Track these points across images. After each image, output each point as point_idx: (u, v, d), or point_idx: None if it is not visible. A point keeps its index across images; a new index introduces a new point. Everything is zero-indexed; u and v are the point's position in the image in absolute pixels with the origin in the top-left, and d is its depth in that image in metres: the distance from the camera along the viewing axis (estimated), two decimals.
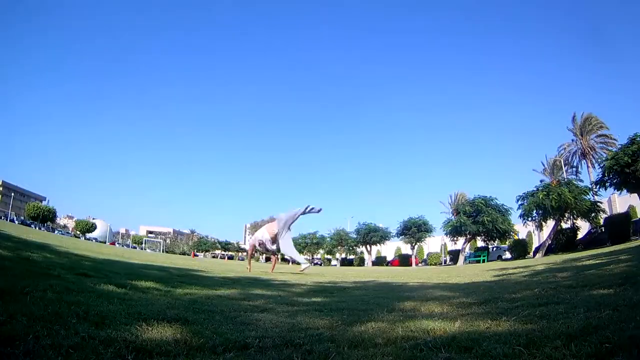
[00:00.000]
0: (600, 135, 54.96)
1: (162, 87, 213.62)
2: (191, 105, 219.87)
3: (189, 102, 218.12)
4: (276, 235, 15.29)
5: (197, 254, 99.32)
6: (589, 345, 2.30)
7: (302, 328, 3.39)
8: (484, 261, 41.47)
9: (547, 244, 33.75)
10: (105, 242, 79.54)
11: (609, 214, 36.14)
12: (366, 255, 67.78)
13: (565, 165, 56.04)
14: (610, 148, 48.07)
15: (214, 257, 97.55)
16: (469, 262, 43.48)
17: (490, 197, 42.60)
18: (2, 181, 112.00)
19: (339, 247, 73.43)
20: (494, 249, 47.16)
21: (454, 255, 49.86)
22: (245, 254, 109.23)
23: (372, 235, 61.02)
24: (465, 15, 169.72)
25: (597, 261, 11.31)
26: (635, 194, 29.01)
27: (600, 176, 28.34)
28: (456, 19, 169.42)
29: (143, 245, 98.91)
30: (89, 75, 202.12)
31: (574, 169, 56.72)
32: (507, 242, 45.75)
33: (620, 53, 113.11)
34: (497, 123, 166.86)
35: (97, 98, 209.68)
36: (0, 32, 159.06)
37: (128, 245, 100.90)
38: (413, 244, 55.14)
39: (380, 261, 67.66)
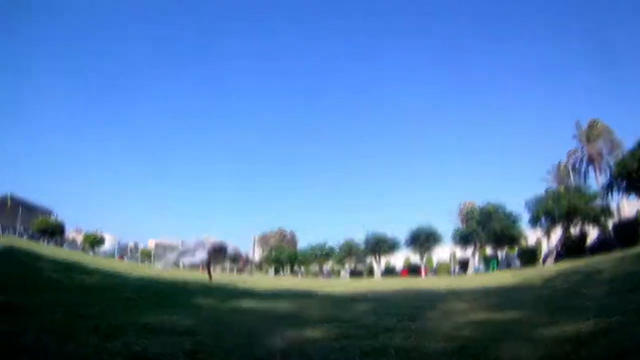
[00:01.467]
0: (607, 141, 54.73)
1: (173, 96, 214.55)
2: (200, 117, 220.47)
3: (198, 114, 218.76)
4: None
5: None
6: (598, 349, 2.29)
7: (312, 338, 3.40)
8: (493, 270, 41.15)
9: (556, 251, 33.48)
10: (114, 256, 79.73)
11: (617, 219, 35.84)
12: (375, 266, 67.39)
13: (572, 171, 55.81)
14: (617, 153, 47.90)
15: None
16: (479, 272, 43.24)
17: (499, 204, 42.32)
18: (10, 195, 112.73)
19: (348, 258, 72.99)
20: (504, 257, 46.78)
21: (464, 265, 49.50)
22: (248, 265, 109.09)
23: (380, 245, 60.64)
24: (466, 18, 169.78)
25: (606, 267, 11.22)
26: None
27: (608, 181, 28.18)
28: (456, 21, 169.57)
29: (152, 258, 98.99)
30: (95, 85, 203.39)
31: (582, 175, 56.52)
32: (516, 250, 45.41)
33: (625, 57, 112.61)
34: (503, 129, 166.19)
35: (104, 108, 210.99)
36: (6, 38, 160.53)
37: (137, 259, 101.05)
38: (422, 254, 54.72)
39: (389, 271, 67.26)
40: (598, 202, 32.82)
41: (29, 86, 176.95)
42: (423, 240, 52.60)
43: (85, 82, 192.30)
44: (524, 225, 39.52)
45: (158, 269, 20.00)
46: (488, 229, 40.57)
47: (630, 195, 28.48)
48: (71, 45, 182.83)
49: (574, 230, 36.37)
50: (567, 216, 31.44)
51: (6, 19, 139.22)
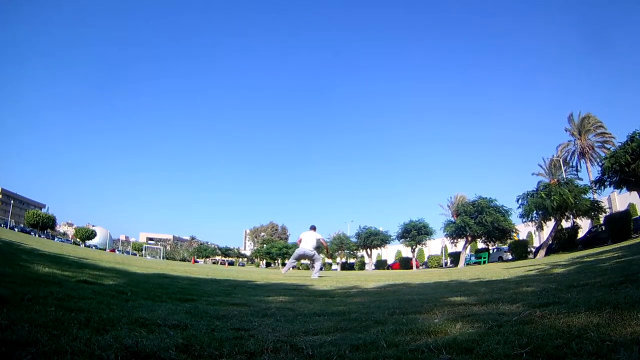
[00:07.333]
0: (598, 134, 55.07)
1: (162, 93, 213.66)
2: (190, 112, 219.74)
3: (188, 108, 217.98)
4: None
5: (197, 260, 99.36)
6: (590, 343, 2.30)
7: (303, 332, 3.39)
8: (484, 262, 41.46)
9: (547, 244, 33.73)
10: (105, 249, 79.43)
11: (609, 212, 36.15)
12: (367, 259, 67.77)
13: (564, 164, 56.10)
14: (608, 146, 48.23)
15: (214, 263, 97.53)
16: (470, 264, 43.49)
17: (490, 198, 42.67)
18: (2, 189, 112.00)
19: (340, 252, 73.42)
20: (495, 250, 47.07)
21: (455, 258, 49.79)
22: (246, 259, 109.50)
23: (372, 239, 60.90)
24: (463, 14, 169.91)
25: (598, 260, 11.30)
26: (635, 192, 29.05)
27: (599, 175, 28.38)
28: (455, 18, 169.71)
29: (143, 252, 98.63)
30: (88, 81, 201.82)
31: (573, 168, 56.86)
32: (507, 243, 45.69)
33: (618, 52, 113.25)
34: (494, 124, 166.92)
35: (96, 104, 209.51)
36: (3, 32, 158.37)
37: (128, 252, 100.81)
38: (413, 247, 54.95)
39: (381, 265, 67.68)
40: (590, 195, 33.08)
41: (24, 81, 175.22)
42: (414, 233, 52.86)
43: (80, 78, 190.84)
44: (515, 218, 39.85)
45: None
46: (479, 222, 40.83)
47: (622, 189, 28.70)
48: (68, 41, 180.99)
49: (566, 224, 36.65)
50: (559, 210, 31.64)
51: (3, 13, 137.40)
